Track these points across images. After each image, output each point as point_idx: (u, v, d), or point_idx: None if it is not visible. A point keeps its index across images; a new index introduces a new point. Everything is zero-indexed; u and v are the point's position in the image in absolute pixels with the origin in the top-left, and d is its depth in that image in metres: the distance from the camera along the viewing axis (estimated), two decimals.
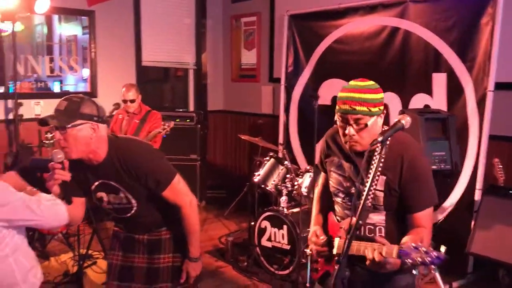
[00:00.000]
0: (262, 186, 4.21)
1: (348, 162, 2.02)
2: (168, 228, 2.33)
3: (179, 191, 2.19)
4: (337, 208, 2.14)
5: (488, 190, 3.52)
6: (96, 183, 2.17)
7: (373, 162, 1.81)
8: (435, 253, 1.57)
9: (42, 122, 1.97)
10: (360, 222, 1.88)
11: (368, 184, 1.75)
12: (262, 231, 4.08)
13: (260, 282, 3.96)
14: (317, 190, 2.39)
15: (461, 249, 3.37)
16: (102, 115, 2.07)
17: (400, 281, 2.02)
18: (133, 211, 2.22)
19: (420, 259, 1.58)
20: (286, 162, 4.20)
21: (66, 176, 2.00)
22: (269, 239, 4.04)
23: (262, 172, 4.23)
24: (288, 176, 4.15)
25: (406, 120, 1.77)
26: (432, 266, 1.64)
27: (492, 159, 3.60)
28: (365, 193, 1.75)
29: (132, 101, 4.43)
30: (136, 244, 2.33)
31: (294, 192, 4.06)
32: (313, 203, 2.38)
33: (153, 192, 2.15)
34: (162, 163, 2.18)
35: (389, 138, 1.82)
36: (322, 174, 2.32)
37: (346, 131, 1.88)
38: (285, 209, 3.97)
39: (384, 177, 1.90)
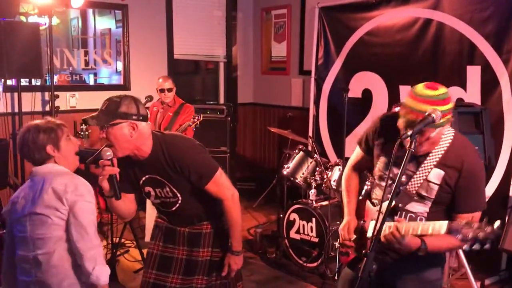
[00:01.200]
0: (291, 178, 4.22)
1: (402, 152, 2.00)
2: (210, 222, 2.38)
3: (222, 184, 2.24)
4: (377, 191, 2.14)
5: None
6: (144, 178, 2.26)
7: (430, 154, 1.87)
8: (489, 228, 1.55)
9: (84, 121, 2.10)
10: (400, 205, 1.89)
11: (417, 173, 1.80)
12: (291, 224, 4.10)
13: (288, 274, 3.99)
14: (347, 174, 2.36)
15: (495, 245, 3.29)
16: (143, 113, 2.14)
17: (428, 274, 2.02)
18: (178, 205, 2.29)
19: (472, 234, 1.57)
20: (315, 155, 4.20)
21: (114, 170, 2.08)
22: (297, 232, 4.06)
23: (291, 164, 4.24)
24: (317, 169, 4.15)
25: (437, 114, 1.75)
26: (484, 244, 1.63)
27: None
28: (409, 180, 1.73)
29: (170, 90, 4.49)
30: (177, 236, 2.39)
31: (323, 185, 4.06)
32: (343, 188, 2.35)
33: (196, 185, 2.21)
34: (205, 157, 2.24)
35: (452, 136, 1.86)
36: (359, 154, 2.29)
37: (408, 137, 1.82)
38: (314, 202, 3.98)
39: (443, 173, 1.92)
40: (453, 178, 1.92)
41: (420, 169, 1.93)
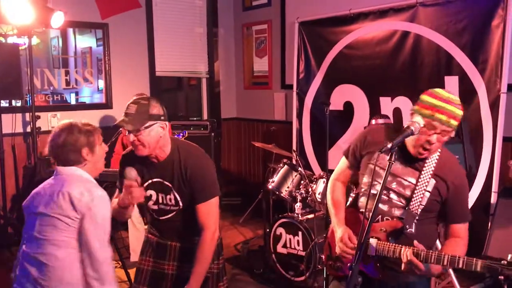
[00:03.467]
0: (277, 192, 4.23)
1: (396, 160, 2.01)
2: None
3: (212, 212, 2.23)
4: (364, 200, 2.12)
5: (503, 192, 3.49)
6: (150, 181, 2.26)
7: (424, 167, 1.92)
8: None
9: (117, 127, 2.15)
10: (407, 227, 1.93)
11: (416, 188, 1.85)
12: (278, 238, 4.10)
13: None
14: (332, 184, 2.34)
15: (478, 253, 3.34)
16: (167, 114, 2.21)
17: (417, 285, 2.04)
18: (174, 213, 2.29)
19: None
20: (300, 169, 4.21)
21: (142, 196, 2.15)
22: (284, 246, 4.06)
23: (276, 178, 4.25)
24: (302, 182, 4.17)
25: (415, 127, 1.79)
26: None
27: (506, 161, 3.57)
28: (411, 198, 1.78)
29: None
30: (168, 251, 2.37)
31: (309, 198, 4.07)
32: (329, 199, 2.32)
33: (193, 198, 2.22)
34: (214, 178, 2.26)
35: (439, 150, 1.95)
36: (345, 164, 2.28)
37: (429, 138, 1.87)
38: (299, 216, 3.98)
39: (434, 181, 1.97)
40: (443, 189, 1.98)
41: (419, 183, 1.97)
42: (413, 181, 1.98)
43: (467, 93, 3.89)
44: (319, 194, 4.04)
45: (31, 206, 2.07)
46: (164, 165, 2.22)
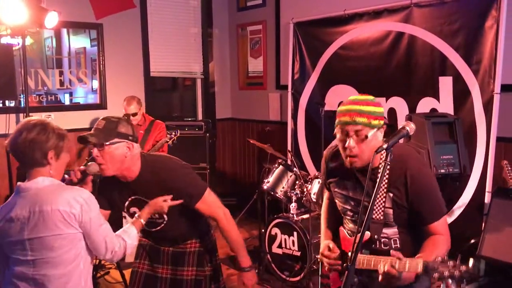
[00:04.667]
0: (272, 193, 4.23)
1: (350, 181, 2.04)
2: (194, 241, 2.39)
3: (211, 203, 2.26)
4: (347, 223, 2.16)
5: (497, 192, 3.51)
6: (130, 199, 2.26)
7: (382, 176, 1.80)
8: (463, 267, 1.56)
9: (82, 139, 2.06)
10: (376, 236, 1.91)
11: (372, 199, 1.72)
12: (273, 238, 4.10)
13: None
14: (324, 205, 2.41)
15: (472, 253, 3.36)
16: (136, 135, 2.17)
17: (417, 286, 2.03)
18: (163, 225, 2.30)
19: (447, 273, 1.57)
20: (295, 169, 4.22)
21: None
22: (279, 246, 4.06)
23: (271, 179, 4.26)
24: (297, 182, 4.18)
25: (410, 127, 1.79)
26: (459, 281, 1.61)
27: (500, 161, 3.59)
28: (369, 208, 1.74)
29: (134, 114, 4.50)
30: (161, 255, 2.39)
31: (304, 198, 4.08)
32: (321, 217, 2.40)
33: (186, 206, 2.21)
34: (194, 177, 2.27)
35: (389, 158, 1.79)
36: (327, 192, 2.34)
37: (346, 144, 1.88)
38: (294, 216, 3.99)
39: (391, 194, 1.92)
40: (402, 196, 1.91)
41: (377, 196, 1.91)
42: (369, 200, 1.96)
43: (461, 94, 3.91)
44: (314, 194, 4.05)
45: (5, 234, 1.91)
46: (137, 183, 2.20)
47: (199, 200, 2.21)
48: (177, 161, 2.29)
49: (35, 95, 5.18)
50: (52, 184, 1.93)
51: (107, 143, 2.06)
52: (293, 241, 3.97)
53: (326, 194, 2.41)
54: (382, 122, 1.90)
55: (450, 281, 1.58)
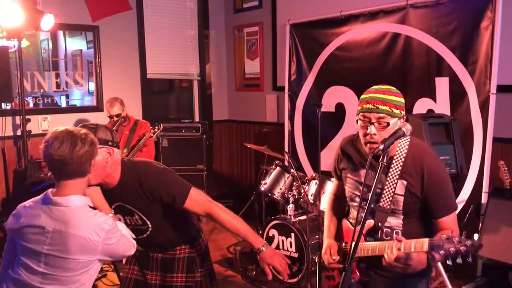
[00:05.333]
0: (269, 194, 4.23)
1: (364, 167, 2.05)
2: (183, 247, 2.36)
3: (201, 200, 2.21)
4: (353, 212, 2.17)
5: (494, 192, 3.52)
6: (113, 206, 2.23)
7: (391, 166, 1.87)
8: (469, 241, 1.57)
9: None
10: (380, 224, 1.92)
11: (372, 191, 1.76)
12: (270, 240, 4.09)
13: None
14: (329, 199, 2.42)
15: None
16: (116, 140, 2.14)
17: (414, 285, 2.03)
18: (148, 232, 2.28)
19: (453, 249, 1.57)
20: (292, 170, 4.22)
21: None
22: (277, 247, 4.06)
23: (268, 180, 4.25)
24: (294, 184, 4.18)
25: (407, 128, 1.81)
26: (467, 258, 1.61)
27: (497, 161, 3.60)
28: (369, 198, 1.77)
29: (118, 115, 4.50)
30: (151, 261, 2.37)
31: (301, 200, 4.08)
32: (325, 212, 2.40)
33: (172, 208, 2.18)
34: (176, 179, 2.22)
35: (407, 144, 1.89)
36: (335, 182, 2.35)
37: (368, 131, 1.92)
38: (292, 217, 3.98)
39: (405, 182, 1.94)
40: (417, 186, 1.94)
41: (387, 183, 1.95)
42: (381, 186, 1.98)
43: (458, 94, 3.92)
44: (311, 195, 4.05)
45: (24, 238, 1.91)
46: (119, 190, 2.17)
47: (185, 200, 2.16)
48: (157, 165, 2.26)
49: (31, 97, 5.17)
50: (82, 206, 1.93)
51: None
52: (290, 243, 3.96)
53: (333, 186, 2.41)
54: (403, 112, 1.94)
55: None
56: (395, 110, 1.90)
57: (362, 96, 1.99)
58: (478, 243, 1.58)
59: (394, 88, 1.98)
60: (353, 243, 1.71)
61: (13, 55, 4.73)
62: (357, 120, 2.00)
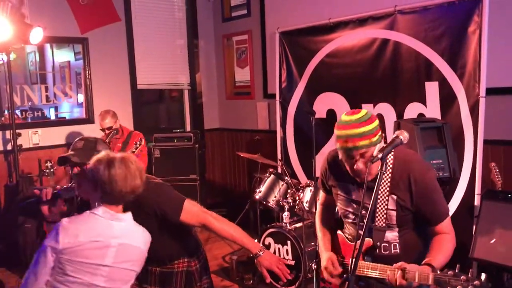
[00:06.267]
0: (264, 202, 4.23)
1: (354, 184, 2.06)
2: (181, 261, 2.35)
3: (195, 211, 2.23)
4: (348, 227, 2.18)
5: (487, 194, 3.55)
6: None
7: (381, 183, 1.86)
8: (476, 281, 1.55)
9: (63, 160, 2.06)
10: (378, 243, 1.92)
11: (371, 206, 1.76)
12: (267, 248, 4.08)
13: None
14: (318, 211, 2.42)
15: (464, 255, 3.38)
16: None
17: None
18: None
19: (460, 287, 1.56)
20: (286, 177, 4.22)
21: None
22: None
23: (263, 188, 4.25)
24: (289, 191, 4.18)
25: (404, 136, 1.82)
26: None
27: (488, 163, 3.64)
28: (368, 215, 1.76)
29: (109, 128, 4.48)
30: (149, 275, 2.36)
31: (296, 207, 4.08)
32: (316, 225, 2.41)
33: (169, 222, 2.19)
34: (169, 193, 2.23)
35: (392, 158, 1.87)
36: (322, 194, 2.35)
37: (355, 167, 1.92)
38: (288, 225, 3.99)
39: (395, 197, 1.95)
40: (407, 200, 1.95)
41: (378, 201, 1.96)
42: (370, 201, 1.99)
43: (448, 98, 3.96)
44: (306, 202, 4.05)
45: (85, 257, 1.90)
46: None
47: (180, 213, 2.17)
48: (151, 179, 2.26)
49: (19, 110, 5.12)
50: (131, 220, 2.09)
51: (89, 162, 2.05)
52: (287, 250, 3.96)
53: (320, 199, 2.41)
54: (380, 133, 1.94)
55: None
56: (373, 139, 1.89)
57: (338, 133, 1.95)
58: (486, 283, 1.57)
59: (363, 113, 1.94)
60: (353, 260, 1.72)
61: (1, 69, 4.69)
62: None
